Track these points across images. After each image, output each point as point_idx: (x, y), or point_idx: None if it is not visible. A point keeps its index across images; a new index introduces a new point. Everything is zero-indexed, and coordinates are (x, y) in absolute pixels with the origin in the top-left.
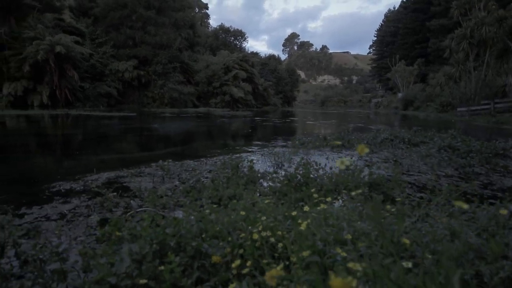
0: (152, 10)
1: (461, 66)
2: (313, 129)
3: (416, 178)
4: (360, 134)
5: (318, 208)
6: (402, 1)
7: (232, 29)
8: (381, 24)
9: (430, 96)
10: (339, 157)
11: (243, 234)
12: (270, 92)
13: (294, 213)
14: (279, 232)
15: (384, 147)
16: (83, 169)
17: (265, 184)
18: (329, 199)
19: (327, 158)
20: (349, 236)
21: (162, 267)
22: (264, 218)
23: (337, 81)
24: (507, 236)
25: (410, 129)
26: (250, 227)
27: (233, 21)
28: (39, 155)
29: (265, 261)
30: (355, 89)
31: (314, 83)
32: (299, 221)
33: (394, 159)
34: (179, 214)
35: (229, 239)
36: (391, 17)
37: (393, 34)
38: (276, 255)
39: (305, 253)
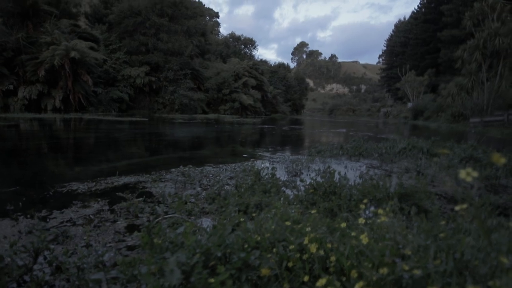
0: (165, 17)
1: (474, 77)
2: (324, 137)
3: (442, 189)
4: (375, 143)
5: (369, 221)
6: (412, 12)
7: (242, 38)
8: (391, 34)
9: (441, 106)
10: (357, 166)
11: (292, 246)
12: (279, 100)
13: (343, 224)
14: (329, 245)
15: (402, 157)
16: (99, 172)
17: (288, 191)
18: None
19: (345, 167)
20: (409, 252)
21: (212, 279)
22: (309, 229)
23: (346, 90)
24: None
25: (428, 139)
26: (296, 239)
27: (243, 30)
28: (53, 158)
29: (326, 277)
30: (364, 98)
31: (322, 91)
32: (353, 233)
33: (417, 169)
34: (207, 221)
35: (274, 250)
36: (401, 27)
37: (403, 44)
38: (332, 269)
39: (383, 270)
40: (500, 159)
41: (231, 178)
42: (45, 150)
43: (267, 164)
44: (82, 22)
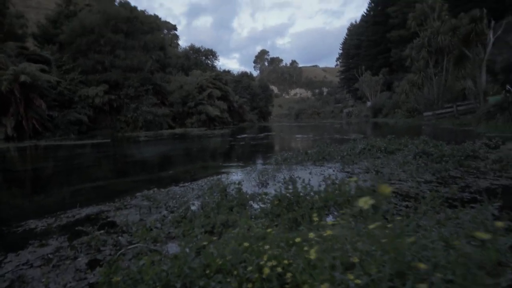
0: (121, 33)
1: (423, 73)
2: (291, 143)
3: (398, 186)
4: (338, 146)
5: (323, 233)
6: (362, 15)
7: (202, 49)
8: (345, 37)
9: (397, 103)
10: (321, 171)
11: (250, 268)
12: (245, 109)
13: (298, 239)
14: (286, 261)
15: (363, 157)
16: (58, 205)
17: (255, 205)
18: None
19: (310, 173)
20: (356, 259)
21: None
22: (267, 247)
23: (309, 93)
24: (497, 241)
25: (385, 137)
26: (255, 259)
27: (204, 41)
28: (7, 194)
29: None
30: (327, 100)
31: (287, 96)
32: (305, 248)
33: (375, 169)
34: (173, 247)
35: (235, 272)
36: (354, 31)
37: (357, 46)
38: (287, 286)
39: (324, 286)
40: (386, 189)
41: (198, 197)
42: None
43: (235, 177)
44: (31, 43)
